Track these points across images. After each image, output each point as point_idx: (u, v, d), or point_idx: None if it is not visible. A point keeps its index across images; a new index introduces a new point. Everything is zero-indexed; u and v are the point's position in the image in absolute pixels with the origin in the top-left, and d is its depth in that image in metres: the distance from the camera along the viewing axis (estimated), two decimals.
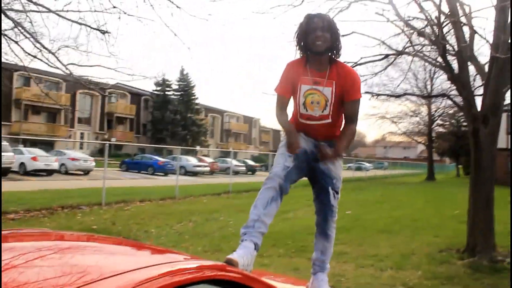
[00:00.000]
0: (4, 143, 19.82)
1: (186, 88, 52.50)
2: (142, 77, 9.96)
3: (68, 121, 43.19)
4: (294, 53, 3.10)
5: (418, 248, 6.83)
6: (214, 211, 11.32)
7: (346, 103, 2.98)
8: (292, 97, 3.07)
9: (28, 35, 7.12)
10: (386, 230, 8.47)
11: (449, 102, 33.54)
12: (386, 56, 7.74)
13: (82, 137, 44.37)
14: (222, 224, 9.09)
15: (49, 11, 6.71)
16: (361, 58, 7.40)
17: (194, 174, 30.51)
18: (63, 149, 29.09)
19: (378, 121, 39.69)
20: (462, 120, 39.01)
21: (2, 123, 34.28)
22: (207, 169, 33.59)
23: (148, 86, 51.37)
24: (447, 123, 42.21)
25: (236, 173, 30.77)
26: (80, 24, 6.54)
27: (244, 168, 36.99)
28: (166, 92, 51.67)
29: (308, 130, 3.06)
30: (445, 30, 6.79)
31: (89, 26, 6.56)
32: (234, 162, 27.17)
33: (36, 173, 22.61)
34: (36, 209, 9.73)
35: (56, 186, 15.06)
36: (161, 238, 7.49)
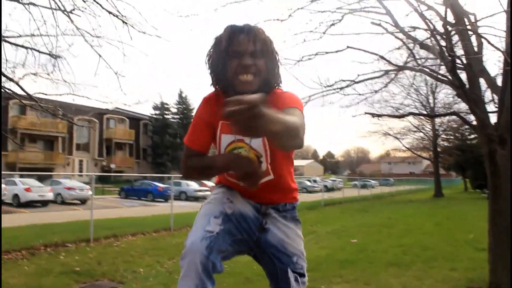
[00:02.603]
0: None
1: (185, 110, 52.18)
2: (126, 104, 9.27)
3: (65, 149, 42.70)
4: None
5: (433, 286, 6.05)
6: None
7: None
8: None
9: None
10: (395, 263, 7.66)
11: (454, 116, 32.91)
12: (386, 72, 7.14)
13: (81, 164, 43.86)
14: None
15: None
16: (358, 75, 6.83)
17: (196, 199, 29.82)
18: (59, 178, 28.48)
19: (381, 137, 38.85)
20: (467, 134, 38.31)
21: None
22: (209, 193, 32.89)
23: (146, 110, 51.19)
24: (452, 137, 41.43)
25: None
26: (26, 48, 5.84)
27: None
28: (165, 116, 51.31)
29: (243, 192, 2.13)
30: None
31: (36, 50, 5.87)
32: None
33: (31, 204, 21.88)
34: (15, 250, 9.00)
35: (47, 218, 14.34)
36: (149, 280, 6.73)
